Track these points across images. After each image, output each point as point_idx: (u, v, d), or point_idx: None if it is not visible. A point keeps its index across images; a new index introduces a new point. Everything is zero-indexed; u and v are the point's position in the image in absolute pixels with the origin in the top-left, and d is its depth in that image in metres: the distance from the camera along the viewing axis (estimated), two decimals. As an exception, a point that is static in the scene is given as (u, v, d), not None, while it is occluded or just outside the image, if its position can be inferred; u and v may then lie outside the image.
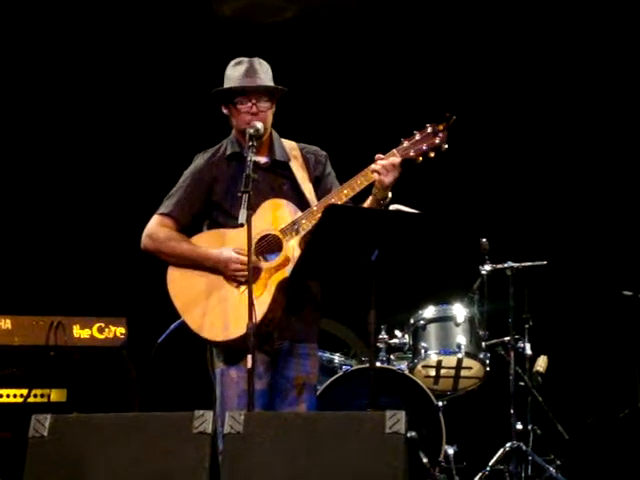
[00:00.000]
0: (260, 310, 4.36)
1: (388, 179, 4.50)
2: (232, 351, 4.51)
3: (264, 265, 4.53)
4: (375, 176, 4.50)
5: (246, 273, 4.42)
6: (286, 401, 4.59)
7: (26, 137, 7.67)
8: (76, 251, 7.62)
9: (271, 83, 4.73)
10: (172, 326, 5.04)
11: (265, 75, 4.71)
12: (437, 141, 4.55)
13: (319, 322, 4.80)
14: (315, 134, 5.04)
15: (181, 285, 4.61)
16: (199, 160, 4.80)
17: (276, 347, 4.59)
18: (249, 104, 4.65)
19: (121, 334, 6.08)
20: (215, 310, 4.52)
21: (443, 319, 6.47)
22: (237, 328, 4.40)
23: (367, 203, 4.60)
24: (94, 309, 6.30)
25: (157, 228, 4.70)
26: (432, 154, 4.55)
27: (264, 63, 4.75)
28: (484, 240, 6.48)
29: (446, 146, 4.55)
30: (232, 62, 4.75)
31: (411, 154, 4.54)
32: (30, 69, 7.59)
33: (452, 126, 4.54)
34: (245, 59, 4.72)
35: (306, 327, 4.67)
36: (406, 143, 4.56)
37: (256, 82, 4.67)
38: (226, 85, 4.72)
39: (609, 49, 7.56)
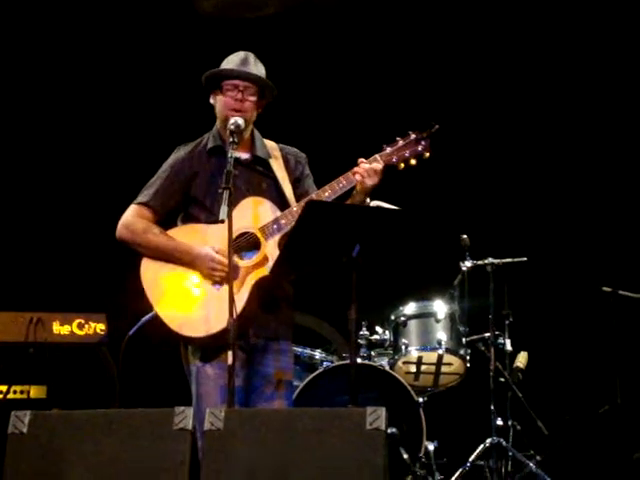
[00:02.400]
0: (238, 307, 4.33)
1: (370, 183, 4.51)
2: (208, 348, 4.50)
3: (241, 263, 4.52)
4: (357, 178, 4.51)
5: (223, 274, 4.45)
6: (262, 397, 4.58)
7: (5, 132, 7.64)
8: (56, 246, 7.60)
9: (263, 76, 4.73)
10: (144, 318, 5.00)
11: (258, 71, 4.71)
12: (419, 149, 4.57)
13: (293, 320, 4.80)
14: (297, 136, 5.03)
15: (155, 277, 4.57)
16: (180, 152, 4.78)
17: (252, 344, 4.59)
18: (235, 91, 4.64)
19: (101, 330, 6.07)
20: (194, 306, 4.51)
21: (424, 315, 6.48)
22: (217, 323, 4.39)
23: None
24: (74, 305, 6.27)
25: (135, 219, 4.67)
26: (414, 161, 4.56)
27: (260, 62, 4.76)
28: (464, 236, 6.49)
29: (428, 154, 4.57)
30: (232, 54, 4.76)
31: (393, 160, 4.56)
32: (16, 65, 7.56)
33: (436, 134, 4.55)
34: (243, 52, 4.75)
35: (281, 325, 4.67)
36: (389, 149, 4.57)
37: (250, 70, 4.67)
38: (219, 69, 4.72)
39: (597, 50, 7.57)
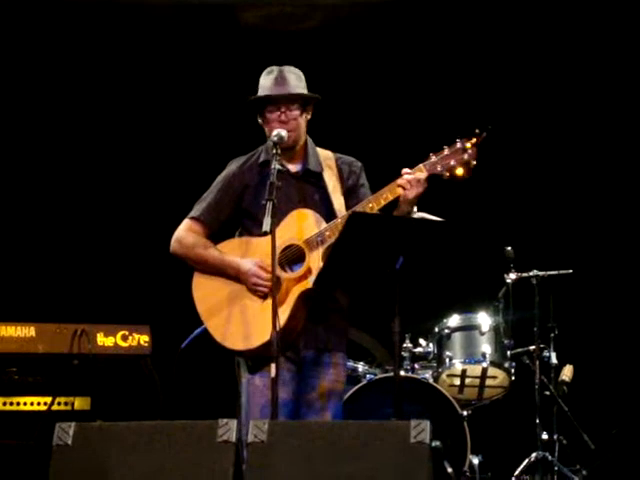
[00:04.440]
0: (281, 320, 4.33)
1: (412, 194, 4.46)
2: (257, 359, 4.51)
3: (285, 276, 4.51)
4: (400, 190, 4.48)
5: (265, 289, 4.47)
6: (312, 410, 4.58)
7: (60, 148, 7.71)
8: (101, 258, 7.64)
9: (303, 90, 4.72)
10: (196, 332, 5.04)
11: (296, 83, 4.70)
12: (466, 157, 4.49)
13: (347, 332, 4.78)
14: (344, 145, 5.02)
15: (205, 292, 4.62)
16: (232, 166, 4.80)
17: (301, 356, 4.58)
18: (277, 112, 4.65)
19: (145, 342, 6.07)
20: (236, 319, 4.53)
21: (468, 328, 6.44)
22: (257, 337, 4.41)
23: None
24: (118, 317, 6.30)
25: (186, 233, 4.72)
26: (460, 170, 4.49)
27: (296, 71, 4.74)
28: (509, 248, 6.45)
29: (474, 162, 4.49)
30: (265, 71, 4.75)
31: (438, 169, 4.50)
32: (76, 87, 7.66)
33: (483, 142, 4.50)
34: (276, 68, 4.73)
35: (333, 336, 4.65)
36: (434, 158, 4.52)
37: (284, 90, 4.66)
38: (259, 94, 4.72)
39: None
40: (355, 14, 7.65)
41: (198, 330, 4.88)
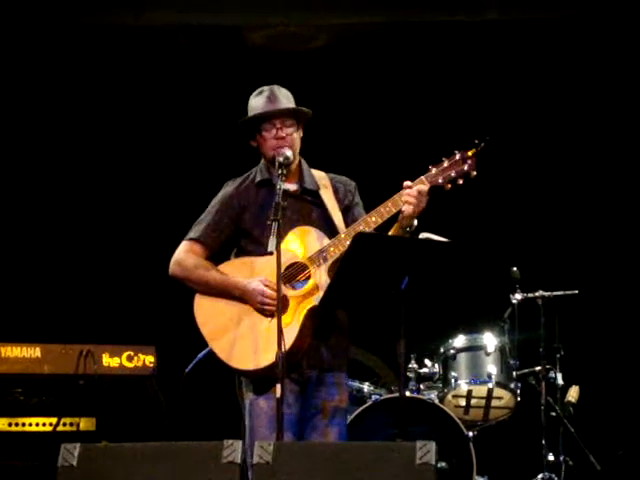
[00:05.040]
0: (289, 338, 4.35)
1: (415, 207, 4.46)
2: (261, 380, 4.49)
3: (291, 293, 4.51)
4: (402, 202, 4.48)
5: (273, 307, 4.43)
6: (316, 431, 4.56)
7: (71, 169, 7.75)
8: (106, 279, 7.64)
9: (293, 106, 4.74)
10: (199, 355, 5.03)
11: (286, 100, 4.72)
12: (465, 168, 4.50)
13: (348, 351, 4.78)
14: (343, 161, 5.04)
15: (208, 313, 4.60)
16: (229, 187, 4.80)
17: (305, 376, 4.57)
18: (274, 130, 4.66)
19: (150, 363, 6.07)
20: (243, 339, 4.51)
21: (473, 348, 6.43)
22: (267, 357, 4.39)
23: (392, 230, 4.56)
24: (123, 337, 6.30)
25: (186, 255, 4.70)
26: (460, 181, 4.50)
27: (283, 89, 4.76)
28: (515, 269, 6.44)
29: (475, 173, 4.50)
30: (254, 93, 4.77)
31: (439, 181, 4.51)
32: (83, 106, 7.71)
33: (481, 153, 4.51)
34: (265, 87, 4.75)
35: (335, 356, 4.64)
36: (434, 170, 4.53)
37: (278, 107, 4.68)
38: (252, 114, 4.73)
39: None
40: (359, 35, 7.68)
41: (202, 353, 4.87)
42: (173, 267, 4.72)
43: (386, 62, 7.67)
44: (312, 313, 4.50)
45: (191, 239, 4.72)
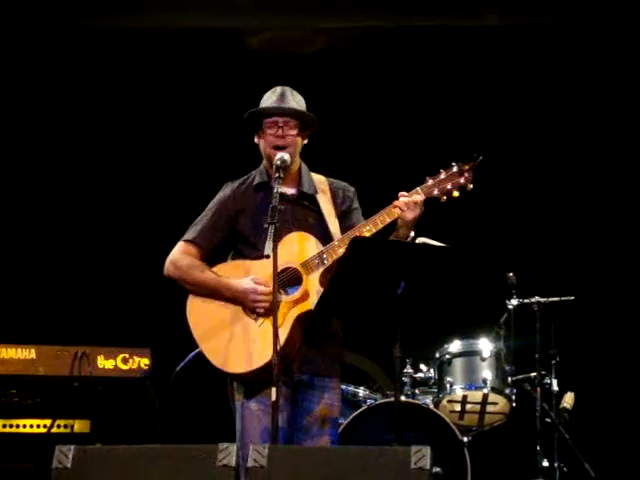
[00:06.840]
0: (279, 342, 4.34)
1: (410, 216, 4.49)
2: (252, 384, 4.50)
3: (283, 298, 4.51)
4: (397, 213, 4.49)
5: (266, 304, 4.46)
6: (307, 434, 4.57)
7: (68, 170, 7.75)
8: (101, 281, 7.64)
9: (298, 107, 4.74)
10: (191, 354, 5.03)
11: (295, 103, 4.73)
12: (462, 181, 4.53)
13: (341, 357, 4.77)
14: (340, 167, 5.03)
15: (201, 314, 4.61)
16: (227, 189, 4.81)
17: (296, 380, 4.57)
18: (275, 128, 4.66)
19: (145, 365, 6.06)
20: (234, 342, 4.52)
21: (469, 353, 6.42)
22: (259, 358, 4.41)
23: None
24: (118, 340, 6.29)
25: (180, 255, 4.72)
26: (456, 193, 4.52)
27: (297, 94, 4.78)
28: (511, 274, 6.44)
29: (471, 186, 4.53)
30: (270, 90, 4.79)
31: (435, 193, 4.53)
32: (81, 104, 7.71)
33: (479, 165, 4.52)
34: (279, 87, 4.77)
35: (327, 361, 4.65)
36: (430, 181, 4.55)
37: (284, 106, 4.68)
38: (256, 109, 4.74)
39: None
40: (357, 38, 7.68)
41: (193, 353, 4.87)
42: (168, 267, 4.73)
43: (384, 66, 7.67)
44: (303, 318, 4.51)
45: (187, 240, 4.74)
